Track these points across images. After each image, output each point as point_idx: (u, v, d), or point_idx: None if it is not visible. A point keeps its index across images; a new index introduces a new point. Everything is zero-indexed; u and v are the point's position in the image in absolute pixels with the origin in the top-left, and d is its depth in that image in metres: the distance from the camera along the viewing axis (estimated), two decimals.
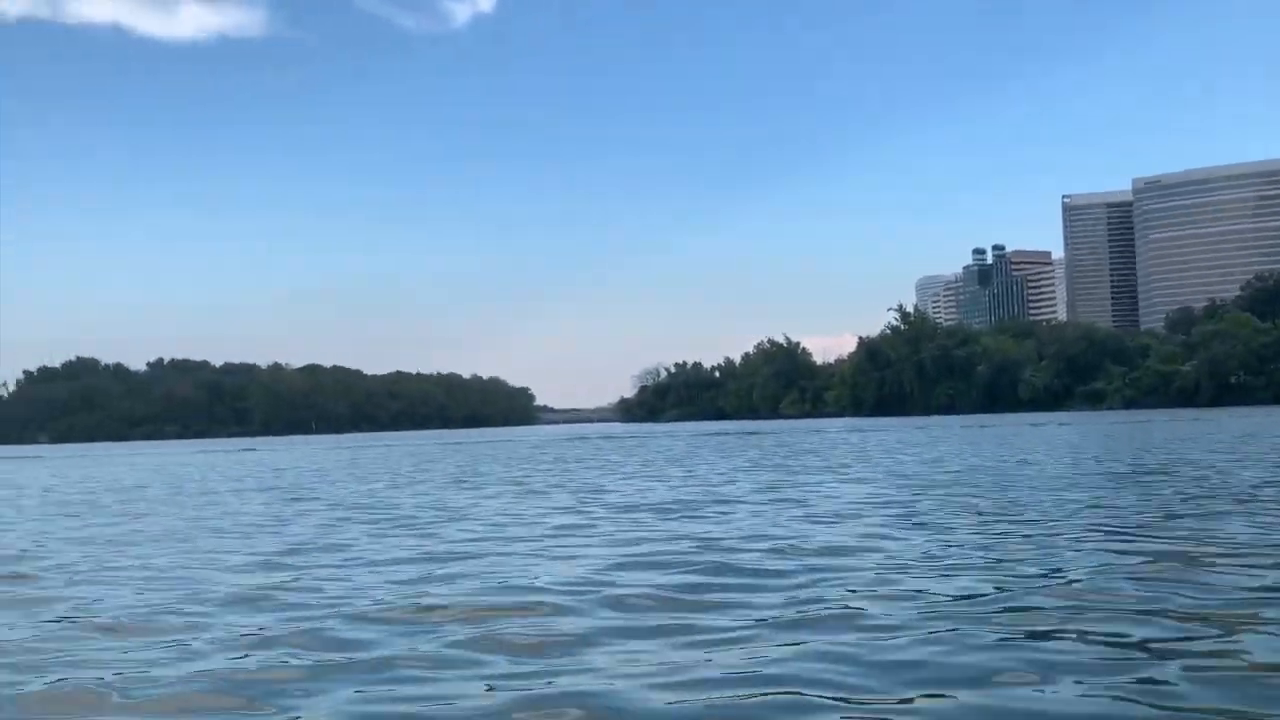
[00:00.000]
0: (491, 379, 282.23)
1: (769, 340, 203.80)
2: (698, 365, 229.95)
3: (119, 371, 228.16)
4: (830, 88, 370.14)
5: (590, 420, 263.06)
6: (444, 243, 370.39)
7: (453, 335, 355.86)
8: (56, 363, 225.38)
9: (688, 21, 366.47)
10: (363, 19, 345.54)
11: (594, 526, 12.62)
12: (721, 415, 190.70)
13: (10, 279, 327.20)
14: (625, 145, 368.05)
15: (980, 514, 12.40)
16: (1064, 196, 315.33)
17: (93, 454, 74.49)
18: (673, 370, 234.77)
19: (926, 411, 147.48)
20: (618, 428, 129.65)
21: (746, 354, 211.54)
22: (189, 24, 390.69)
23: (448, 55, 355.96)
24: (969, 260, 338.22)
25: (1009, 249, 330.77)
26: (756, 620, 6.41)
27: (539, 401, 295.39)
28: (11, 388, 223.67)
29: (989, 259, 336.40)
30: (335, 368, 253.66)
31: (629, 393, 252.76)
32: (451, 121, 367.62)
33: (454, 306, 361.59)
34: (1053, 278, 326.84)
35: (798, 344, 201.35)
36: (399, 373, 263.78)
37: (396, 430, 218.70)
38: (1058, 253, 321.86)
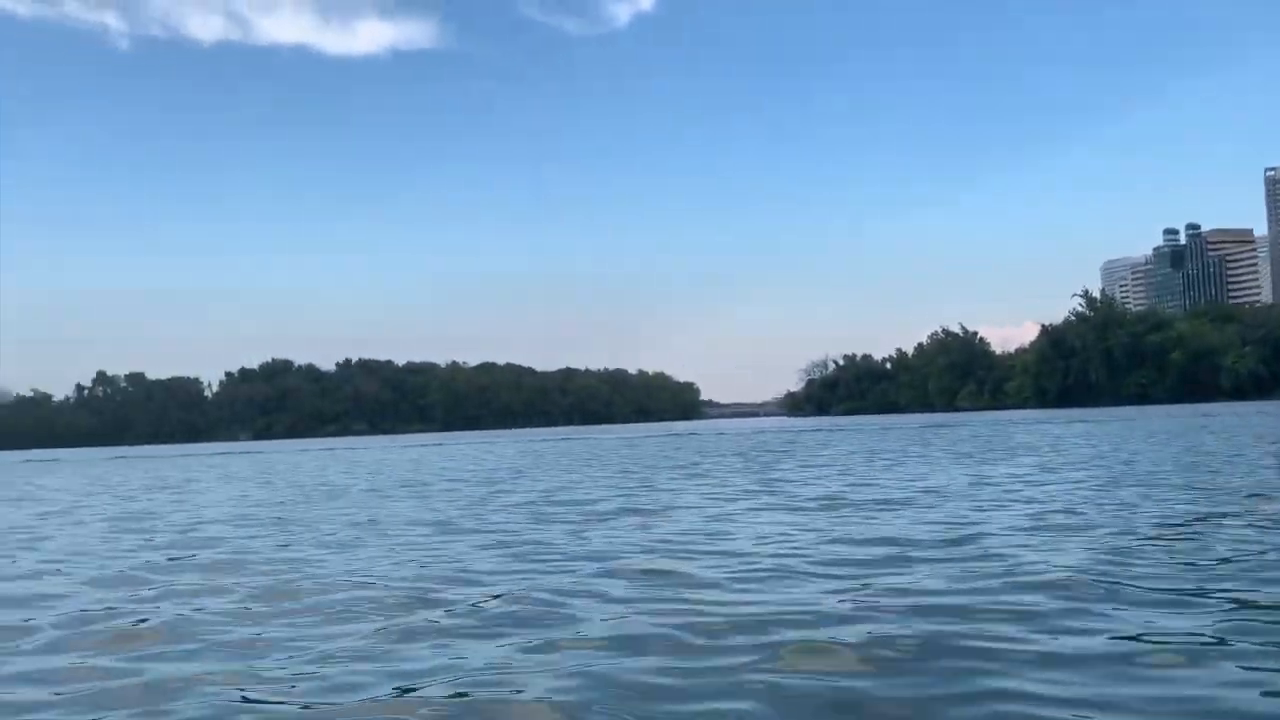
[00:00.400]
0: (657, 374, 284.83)
1: (943, 330, 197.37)
2: (867, 357, 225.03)
3: (310, 372, 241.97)
4: (1028, 76, 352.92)
5: (756, 415, 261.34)
6: (609, 241, 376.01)
7: (618, 331, 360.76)
8: (254, 364, 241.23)
9: (860, 21, 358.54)
10: (527, 25, 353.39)
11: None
12: (893, 409, 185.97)
13: (215, 285, 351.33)
14: (796, 141, 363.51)
15: None
16: (1267, 170, 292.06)
17: (312, 449, 78.71)
18: (841, 363, 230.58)
19: (1116, 402, 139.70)
20: (793, 422, 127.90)
21: (919, 345, 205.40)
22: (366, 40, 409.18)
23: (610, 55, 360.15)
24: (1159, 241, 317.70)
25: (1205, 228, 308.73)
26: None
27: (704, 396, 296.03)
28: (215, 389, 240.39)
29: (1182, 239, 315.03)
30: (508, 365, 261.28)
31: (795, 387, 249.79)
32: (616, 120, 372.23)
33: (620, 303, 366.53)
34: (1254, 257, 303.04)
35: (974, 333, 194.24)
36: (568, 369, 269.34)
37: (567, 425, 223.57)
38: (1260, 230, 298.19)
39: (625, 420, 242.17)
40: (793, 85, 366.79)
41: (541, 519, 13.69)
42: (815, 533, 10.75)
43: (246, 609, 7.55)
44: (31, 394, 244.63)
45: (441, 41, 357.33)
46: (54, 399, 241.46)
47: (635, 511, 14.25)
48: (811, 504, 14.14)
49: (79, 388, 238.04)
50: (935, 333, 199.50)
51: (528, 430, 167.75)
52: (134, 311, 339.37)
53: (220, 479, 32.01)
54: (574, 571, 8.67)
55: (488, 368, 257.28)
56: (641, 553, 9.71)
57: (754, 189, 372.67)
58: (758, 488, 17.85)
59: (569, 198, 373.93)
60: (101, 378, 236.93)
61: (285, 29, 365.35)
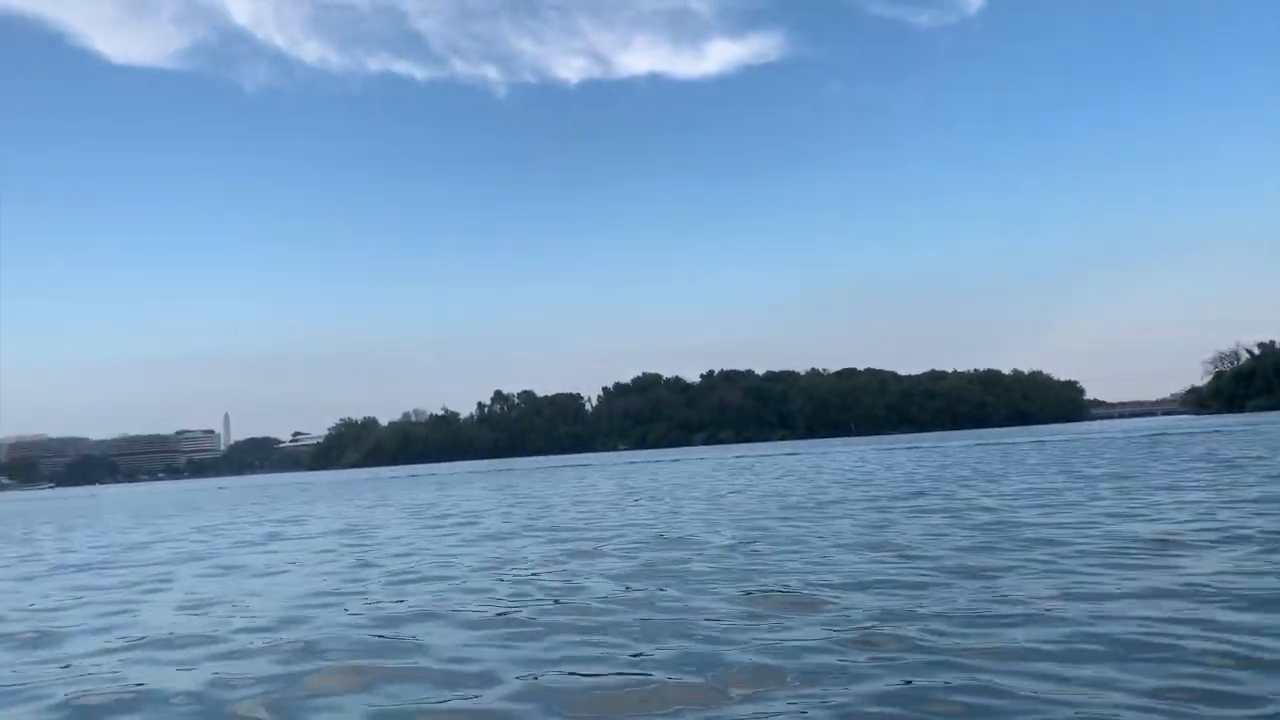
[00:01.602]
0: (1034, 373, 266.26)
1: None
2: None
3: (678, 384, 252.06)
4: None
5: (1152, 414, 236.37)
6: (970, 235, 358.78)
7: (988, 330, 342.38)
8: (628, 379, 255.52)
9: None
10: (875, 23, 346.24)
11: None
12: None
13: (591, 308, 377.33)
14: (1162, 108, 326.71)
15: None
16: None
17: (712, 456, 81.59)
18: (1256, 352, 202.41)
19: None
20: (1203, 421, 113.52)
21: None
22: (715, 60, 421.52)
23: (960, 46, 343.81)
24: None
25: None
26: None
27: (1089, 396, 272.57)
28: (594, 403, 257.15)
29: None
30: (868, 370, 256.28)
31: (1199, 380, 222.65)
32: (973, 111, 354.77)
33: (987, 300, 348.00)
34: None
35: None
36: (933, 371, 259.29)
37: (935, 430, 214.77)
38: None
39: (1000, 424, 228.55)
40: (1157, 60, 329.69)
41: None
42: None
43: None
44: (443, 412, 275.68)
45: (790, 51, 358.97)
46: (460, 416, 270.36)
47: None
48: None
49: (480, 406, 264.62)
50: None
51: (902, 436, 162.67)
52: (525, 336, 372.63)
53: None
54: None
55: (849, 373, 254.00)
56: None
57: (1128, 163, 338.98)
58: None
59: (926, 194, 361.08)
60: (498, 396, 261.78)
61: (640, 60, 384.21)
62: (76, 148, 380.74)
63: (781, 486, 28.74)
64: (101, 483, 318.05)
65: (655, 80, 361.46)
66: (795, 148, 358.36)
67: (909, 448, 69.08)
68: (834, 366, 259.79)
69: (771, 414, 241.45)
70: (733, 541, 14.31)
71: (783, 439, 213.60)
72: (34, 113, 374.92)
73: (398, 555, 15.71)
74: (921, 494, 21.89)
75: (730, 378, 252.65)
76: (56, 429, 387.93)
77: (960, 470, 31.93)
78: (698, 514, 20.16)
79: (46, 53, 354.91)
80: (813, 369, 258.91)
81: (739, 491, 27.65)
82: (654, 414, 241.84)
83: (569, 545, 15.43)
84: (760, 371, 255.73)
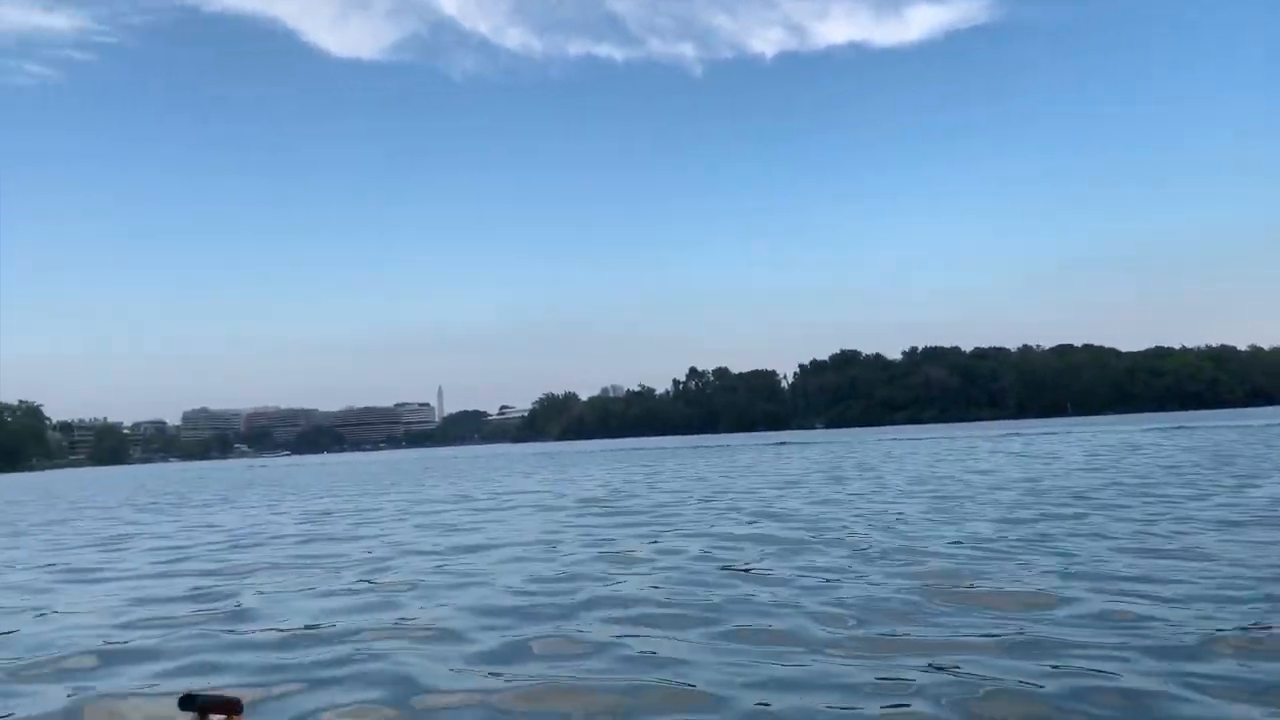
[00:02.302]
0: (1275, 349, 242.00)
1: None
2: None
3: (878, 361, 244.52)
4: None
5: None
6: (1194, 203, 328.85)
7: (1218, 302, 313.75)
8: (825, 356, 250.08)
9: None
10: None
11: None
12: None
13: (787, 283, 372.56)
14: None
15: None
16: None
17: (954, 434, 79.21)
18: None
19: None
20: None
21: None
22: (917, 26, 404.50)
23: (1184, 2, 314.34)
24: None
25: None
26: None
27: None
28: (790, 380, 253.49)
29: None
30: (1086, 346, 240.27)
31: None
32: (1194, 71, 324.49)
33: (1218, 270, 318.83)
34: None
35: None
36: (1158, 347, 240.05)
37: (1160, 411, 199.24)
38: None
39: (1235, 404, 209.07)
40: None
41: None
42: None
43: None
44: (639, 389, 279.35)
45: (999, 14, 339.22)
46: (656, 392, 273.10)
47: None
48: None
49: (675, 382, 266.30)
50: None
51: (1126, 417, 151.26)
52: (719, 311, 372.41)
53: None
54: None
55: (1065, 350, 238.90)
56: None
57: None
58: None
59: (1144, 158, 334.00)
60: (693, 373, 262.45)
61: (839, 30, 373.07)
62: (304, 136, 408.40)
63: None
64: (329, 451, 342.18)
65: (855, 49, 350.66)
66: (1003, 115, 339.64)
67: (1166, 428, 64.40)
68: (1047, 343, 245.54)
69: (980, 393, 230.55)
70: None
71: (991, 419, 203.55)
72: (269, 104, 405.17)
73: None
74: None
75: (934, 354, 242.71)
76: (289, 401, 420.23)
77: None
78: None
79: (279, 48, 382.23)
80: (1024, 345, 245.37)
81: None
82: (852, 391, 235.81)
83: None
84: (967, 348, 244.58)
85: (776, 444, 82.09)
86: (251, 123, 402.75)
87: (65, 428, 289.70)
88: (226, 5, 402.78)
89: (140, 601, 11.56)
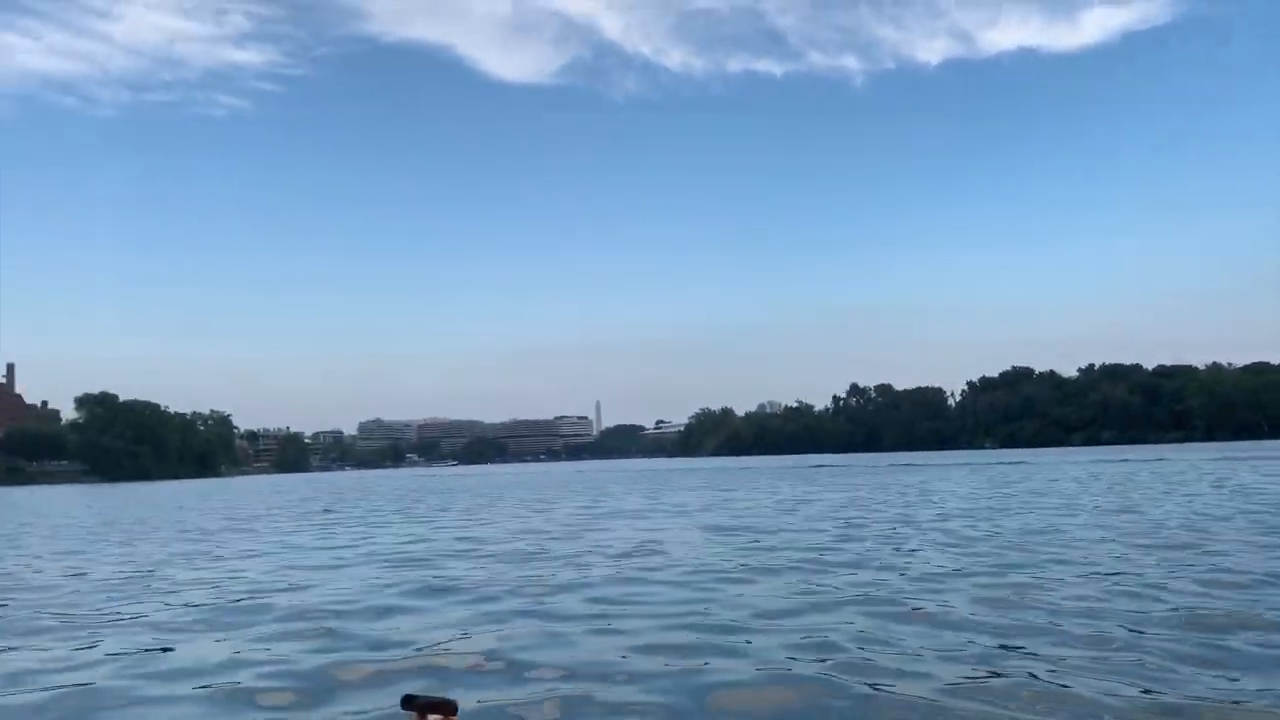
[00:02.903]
0: None
1: None
2: None
3: (1052, 378, 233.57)
4: None
5: None
6: None
7: None
8: (995, 372, 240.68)
9: None
10: None
11: None
12: None
13: (954, 296, 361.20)
14: None
15: None
16: None
17: (1165, 457, 74.78)
18: None
19: None
20: None
21: None
22: (1092, 30, 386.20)
23: None
24: None
25: None
26: None
27: None
28: (958, 397, 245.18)
29: None
30: None
31: None
32: None
33: None
34: None
35: None
36: None
37: None
38: None
39: None
40: None
41: None
42: None
43: None
44: (797, 404, 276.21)
45: (1181, 12, 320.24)
46: (815, 409, 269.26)
47: None
48: None
49: (835, 399, 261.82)
50: None
51: None
52: (882, 326, 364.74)
53: None
54: None
55: (1260, 368, 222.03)
56: None
57: None
58: None
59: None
60: (854, 389, 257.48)
61: (1008, 36, 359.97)
62: (472, 159, 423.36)
63: None
64: (492, 462, 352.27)
65: (1025, 55, 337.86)
66: (1190, 120, 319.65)
67: None
68: (1239, 360, 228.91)
69: (1163, 413, 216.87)
70: None
71: (1176, 441, 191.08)
72: (442, 129, 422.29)
73: None
74: None
75: (1113, 372, 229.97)
76: (455, 413, 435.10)
77: None
78: None
79: (451, 75, 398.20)
80: (1214, 363, 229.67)
81: None
82: (1024, 410, 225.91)
83: None
84: (1149, 365, 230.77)
85: (986, 463, 78.79)
86: (425, 147, 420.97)
87: (251, 436, 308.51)
88: (403, 36, 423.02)
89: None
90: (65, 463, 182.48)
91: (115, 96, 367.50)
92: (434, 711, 3.02)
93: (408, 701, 3.06)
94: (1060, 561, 14.64)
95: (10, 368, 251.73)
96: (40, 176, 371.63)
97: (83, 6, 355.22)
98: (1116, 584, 12.23)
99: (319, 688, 8.22)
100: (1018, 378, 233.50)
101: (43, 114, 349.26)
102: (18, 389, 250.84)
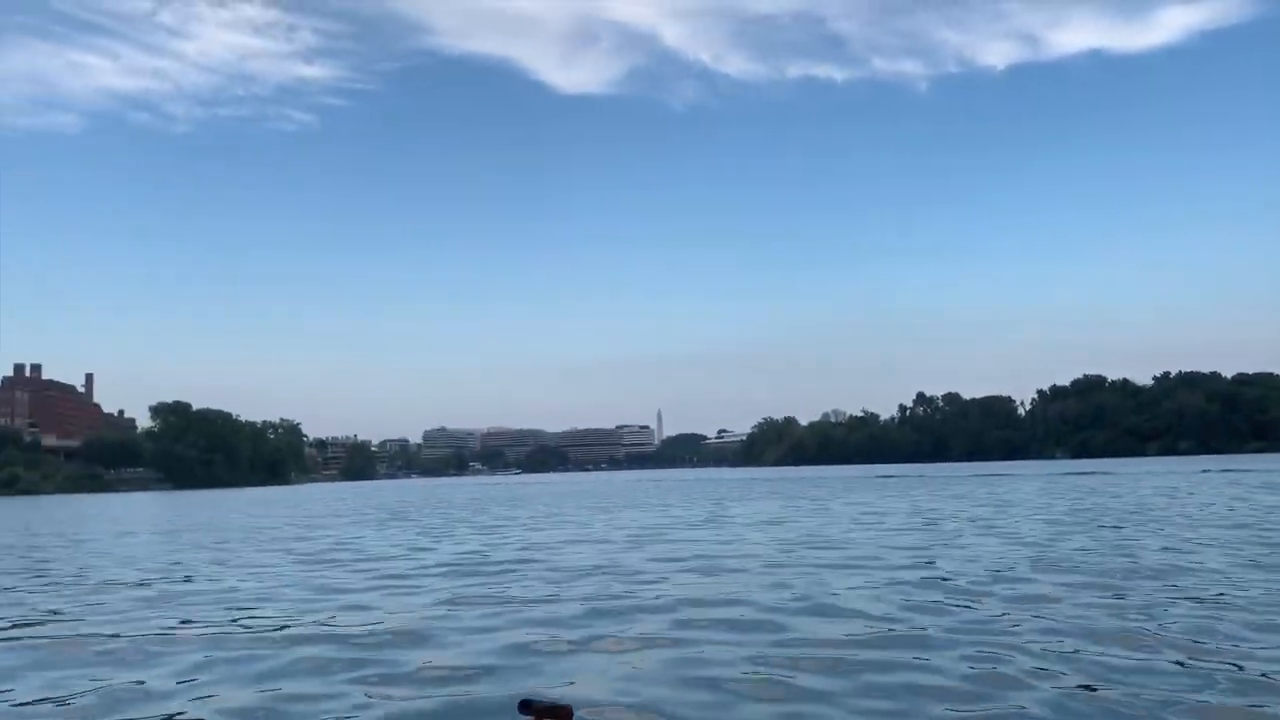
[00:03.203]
0: None
1: None
2: None
3: (1126, 387, 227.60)
4: None
5: None
6: None
7: None
8: (1065, 381, 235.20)
9: None
10: None
11: None
12: None
13: (1022, 303, 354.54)
14: None
15: None
16: None
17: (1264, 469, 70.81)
18: None
19: None
20: None
21: None
22: (1165, 30, 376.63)
23: None
24: None
25: None
26: None
27: None
28: (1027, 405, 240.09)
29: None
30: None
31: None
32: None
33: None
34: None
35: None
36: None
37: None
38: None
39: None
40: None
41: None
42: None
43: None
44: (862, 414, 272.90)
45: (1260, 11, 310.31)
46: (880, 418, 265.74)
47: None
48: None
49: (901, 408, 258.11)
50: None
51: None
52: (948, 334, 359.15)
53: None
54: None
55: None
56: None
57: None
58: None
59: None
60: (921, 398, 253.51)
61: (1076, 37, 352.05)
62: (533, 170, 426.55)
63: None
64: (554, 470, 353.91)
65: (1094, 57, 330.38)
66: (1265, 119, 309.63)
67: None
68: None
69: (1243, 422, 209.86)
70: None
71: (1256, 451, 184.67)
72: (502, 140, 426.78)
73: None
74: None
75: (1191, 380, 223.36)
76: (518, 421, 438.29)
77: None
78: None
79: (511, 86, 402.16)
80: None
81: None
82: (1097, 419, 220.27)
83: None
84: (1228, 374, 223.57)
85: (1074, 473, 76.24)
86: (484, 158, 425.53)
87: (320, 444, 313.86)
88: (465, 49, 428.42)
89: None
90: (141, 470, 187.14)
91: (189, 112, 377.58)
92: (549, 716, 2.97)
93: (524, 706, 3.01)
94: None
95: (89, 378, 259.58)
96: (117, 192, 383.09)
97: (158, 26, 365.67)
98: None
99: None
100: (1089, 386, 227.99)
101: (120, 131, 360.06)
102: (95, 399, 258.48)
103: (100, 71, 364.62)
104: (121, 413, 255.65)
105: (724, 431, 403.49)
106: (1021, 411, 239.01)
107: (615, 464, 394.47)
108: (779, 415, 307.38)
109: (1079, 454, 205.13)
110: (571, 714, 3.05)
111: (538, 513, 41.60)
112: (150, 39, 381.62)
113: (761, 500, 43.46)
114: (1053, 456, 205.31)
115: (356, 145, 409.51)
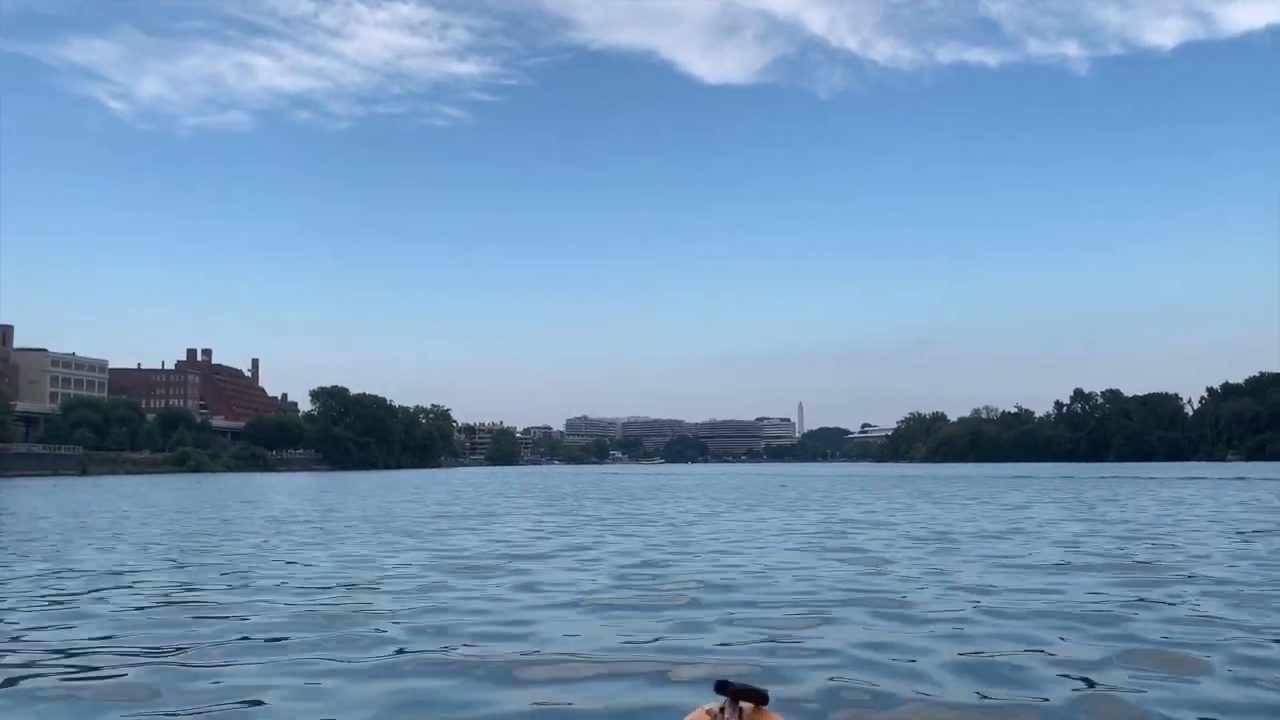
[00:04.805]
0: None
1: None
2: None
3: None
4: None
5: None
6: None
7: None
8: (1239, 378, 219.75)
9: None
10: None
11: None
12: None
13: (1193, 299, 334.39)
14: None
15: None
16: None
17: None
18: None
19: None
20: None
21: None
22: None
23: None
24: None
25: None
26: None
27: None
28: (1195, 404, 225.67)
29: None
30: None
31: None
32: None
33: None
34: None
35: None
36: None
37: None
38: None
39: None
40: None
41: None
42: None
43: None
44: (1015, 410, 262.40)
45: None
46: (1035, 415, 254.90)
47: None
48: None
49: (1058, 405, 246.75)
50: None
51: None
52: (1110, 328, 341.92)
53: None
54: None
55: None
56: None
57: None
58: None
59: None
60: (1079, 395, 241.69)
61: (1255, 12, 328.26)
62: (677, 161, 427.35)
63: None
64: (693, 461, 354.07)
65: (1275, 33, 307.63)
66: None
67: None
68: None
69: None
70: None
71: None
72: (648, 132, 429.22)
73: None
74: None
75: None
76: (657, 411, 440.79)
77: None
78: None
79: (656, 77, 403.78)
80: None
81: None
82: (1274, 420, 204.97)
83: None
84: None
85: None
86: (630, 149, 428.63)
87: (468, 430, 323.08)
88: (609, 42, 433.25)
89: None
90: (300, 451, 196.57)
91: (349, 110, 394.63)
92: (747, 699, 2.97)
93: (721, 686, 3.03)
94: None
95: (255, 363, 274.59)
96: (283, 187, 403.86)
97: (318, 27, 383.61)
98: None
99: None
100: (1266, 384, 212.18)
101: (285, 129, 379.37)
102: (260, 383, 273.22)
103: (267, 72, 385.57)
104: (284, 396, 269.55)
105: (868, 426, 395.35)
106: (1189, 410, 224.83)
107: (755, 456, 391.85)
108: (926, 410, 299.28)
109: (1254, 457, 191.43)
110: (767, 698, 3.01)
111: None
112: (312, 39, 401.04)
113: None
114: (1223, 459, 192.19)
115: (506, 140, 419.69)
